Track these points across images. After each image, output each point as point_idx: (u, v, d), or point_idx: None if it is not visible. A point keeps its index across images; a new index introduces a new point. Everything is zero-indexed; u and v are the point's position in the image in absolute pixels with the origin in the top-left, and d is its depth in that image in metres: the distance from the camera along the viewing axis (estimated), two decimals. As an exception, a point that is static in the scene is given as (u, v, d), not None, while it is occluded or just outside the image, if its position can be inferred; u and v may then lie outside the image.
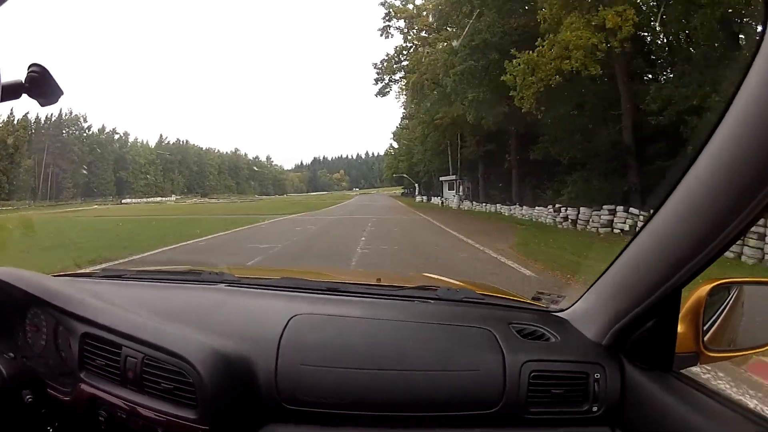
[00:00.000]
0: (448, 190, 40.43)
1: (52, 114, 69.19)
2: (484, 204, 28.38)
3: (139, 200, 72.67)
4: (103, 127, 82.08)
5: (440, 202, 39.26)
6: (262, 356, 1.17)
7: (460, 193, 34.80)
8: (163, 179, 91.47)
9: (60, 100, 0.89)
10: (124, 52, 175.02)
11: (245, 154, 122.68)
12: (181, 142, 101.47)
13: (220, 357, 1.11)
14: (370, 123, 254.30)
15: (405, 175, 56.33)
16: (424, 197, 47.36)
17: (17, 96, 0.84)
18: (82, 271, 1.83)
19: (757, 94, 0.69)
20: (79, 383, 1.22)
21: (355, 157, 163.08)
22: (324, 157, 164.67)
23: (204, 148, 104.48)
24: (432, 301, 1.46)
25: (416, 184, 52.03)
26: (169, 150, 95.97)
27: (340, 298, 1.46)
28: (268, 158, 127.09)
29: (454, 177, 38.08)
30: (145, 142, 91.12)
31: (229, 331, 1.23)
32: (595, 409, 1.17)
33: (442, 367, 1.18)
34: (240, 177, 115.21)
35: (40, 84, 0.85)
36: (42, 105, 0.88)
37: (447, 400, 1.15)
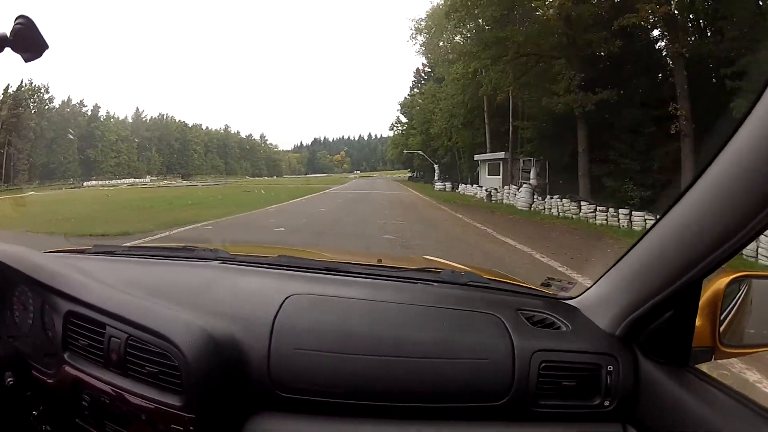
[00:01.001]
0: (489, 174, 27.73)
1: (9, 85, 58.07)
2: (588, 206, 15.61)
3: (106, 182, 63.28)
4: (69, 100, 70.04)
5: (481, 192, 25.79)
6: (253, 339, 1.06)
7: (532, 182, 20.85)
8: (137, 158, 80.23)
9: (44, 53, 0.86)
10: (100, 12, 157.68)
11: (238, 132, 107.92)
12: (163, 117, 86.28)
13: (209, 338, 1.01)
14: (374, 103, 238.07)
15: (420, 152, 44.04)
16: (446, 183, 34.46)
17: (0, 50, 0.82)
18: (74, 248, 1.63)
19: None
20: (63, 365, 1.13)
21: (357, 138, 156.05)
22: (325, 138, 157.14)
23: (189, 124, 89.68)
24: (435, 284, 1.34)
25: (435, 165, 39.34)
26: (147, 126, 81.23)
27: (338, 278, 1.33)
28: (262, 137, 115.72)
29: (502, 155, 25.53)
30: (118, 117, 79.77)
31: (220, 311, 1.12)
32: (606, 403, 1.08)
33: (447, 355, 1.08)
34: (230, 156, 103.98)
35: (24, 37, 0.82)
36: (26, 60, 0.86)
37: (451, 391, 1.06)
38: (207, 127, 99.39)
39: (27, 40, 0.82)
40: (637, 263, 1.05)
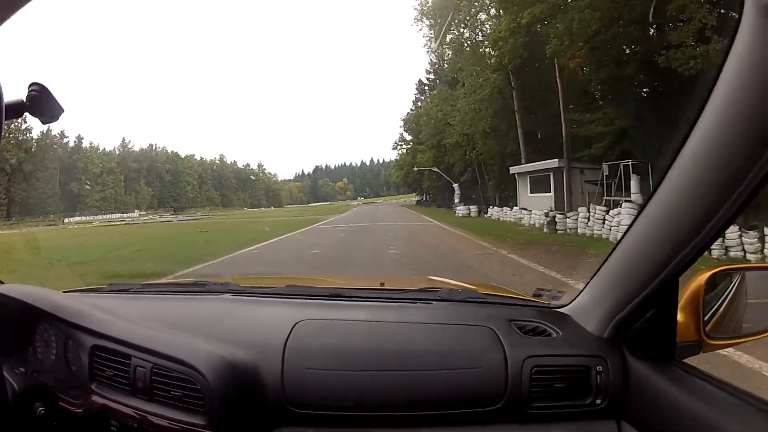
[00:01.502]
0: (533, 191, 20.27)
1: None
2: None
3: (92, 218, 58.03)
4: (49, 130, 64.73)
5: (530, 217, 18.20)
6: (268, 362, 1.17)
7: (635, 198, 13.50)
8: (125, 191, 74.63)
9: (61, 117, 0.92)
10: (82, 34, 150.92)
11: (234, 162, 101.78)
12: (153, 148, 79.92)
13: (227, 364, 1.12)
14: (375, 128, 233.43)
15: (435, 169, 36.67)
16: (470, 207, 25.62)
17: (20, 115, 0.87)
18: (89, 287, 1.73)
19: (735, 86, 0.72)
20: (90, 395, 1.22)
21: (359, 164, 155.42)
22: (326, 166, 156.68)
23: (181, 155, 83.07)
24: (434, 303, 1.44)
25: (454, 185, 31.54)
26: (135, 157, 74.75)
27: (343, 303, 1.44)
28: (260, 166, 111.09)
29: (554, 164, 18.08)
30: (104, 148, 74.53)
31: (236, 339, 1.23)
32: (598, 402, 1.17)
33: (444, 367, 1.17)
34: (226, 187, 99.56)
35: (40, 102, 0.88)
36: (43, 123, 0.91)
37: (450, 399, 1.15)
38: (201, 158, 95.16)
39: (43, 106, 0.87)
40: (616, 267, 1.12)
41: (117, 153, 75.69)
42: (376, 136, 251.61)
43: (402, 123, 54.56)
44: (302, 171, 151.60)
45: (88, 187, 65.77)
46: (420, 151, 43.08)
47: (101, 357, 1.24)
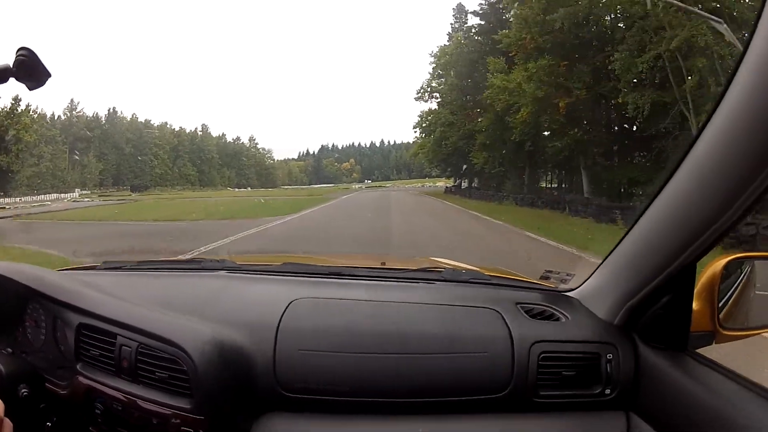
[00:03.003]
0: None
1: None
2: None
3: (15, 200, 46.98)
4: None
5: None
6: (259, 342, 1.16)
7: None
8: (69, 166, 61.79)
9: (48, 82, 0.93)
10: None
11: (223, 135, 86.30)
12: (113, 113, 65.91)
13: (216, 344, 1.11)
14: (386, 108, 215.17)
15: (487, 142, 27.44)
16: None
17: (5, 80, 0.86)
18: (83, 265, 1.73)
19: (760, 68, 0.70)
20: (76, 375, 1.22)
21: (368, 145, 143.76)
22: (333, 145, 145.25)
23: (145, 121, 67.13)
24: (437, 283, 1.44)
25: (582, 171, 21.12)
26: (86, 123, 60.62)
27: (342, 281, 1.46)
28: (251, 140, 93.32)
29: None
30: (42, 111, 60.61)
31: (227, 318, 1.22)
32: (608, 391, 1.15)
33: (448, 350, 1.16)
34: (208, 163, 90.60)
35: (28, 67, 0.86)
36: (30, 89, 0.91)
37: (453, 385, 1.14)
38: (180, 128, 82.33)
39: (30, 71, 0.86)
40: (630, 251, 1.11)
41: (63, 118, 57.18)
42: (388, 117, 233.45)
43: (432, 64, 41.13)
44: (307, 150, 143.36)
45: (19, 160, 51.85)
46: (463, 111, 34.09)
47: (87, 336, 1.23)
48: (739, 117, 0.74)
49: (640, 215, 1.03)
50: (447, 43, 39.81)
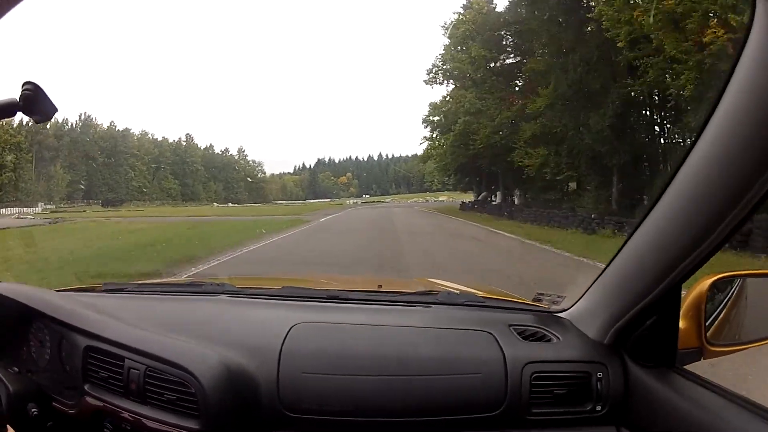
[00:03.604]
0: None
1: None
2: None
3: None
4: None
5: None
6: (263, 365, 1.25)
7: None
8: (35, 177, 56.76)
9: (54, 116, 0.97)
10: None
11: (210, 146, 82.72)
12: (84, 120, 69.62)
13: (222, 367, 1.19)
14: (384, 123, 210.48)
15: (552, 132, 19.43)
16: None
17: (12, 114, 0.91)
18: (83, 286, 1.81)
19: (745, 89, 0.74)
20: (84, 396, 1.31)
21: (366, 158, 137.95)
22: (330, 159, 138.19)
23: (124, 130, 74.58)
24: (433, 306, 1.53)
25: None
26: (56, 130, 61.68)
27: (340, 306, 1.54)
28: (240, 151, 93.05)
29: None
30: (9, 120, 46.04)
31: (231, 342, 1.30)
32: (599, 408, 1.24)
33: (444, 372, 1.25)
34: (192, 176, 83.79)
35: (34, 102, 0.91)
36: (37, 122, 0.98)
37: (449, 404, 1.23)
38: (163, 137, 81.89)
39: (36, 105, 0.90)
40: (618, 273, 1.19)
41: (31, 124, 51.34)
42: (387, 130, 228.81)
43: (446, 35, 32.78)
44: (303, 164, 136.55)
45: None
46: (498, 93, 26.12)
47: (95, 358, 1.31)
48: (726, 140, 0.77)
49: (627, 240, 1.11)
50: (461, 12, 31.52)
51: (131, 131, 74.29)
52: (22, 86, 0.88)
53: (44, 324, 1.42)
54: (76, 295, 1.61)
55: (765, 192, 0.76)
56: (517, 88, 26.84)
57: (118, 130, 71.15)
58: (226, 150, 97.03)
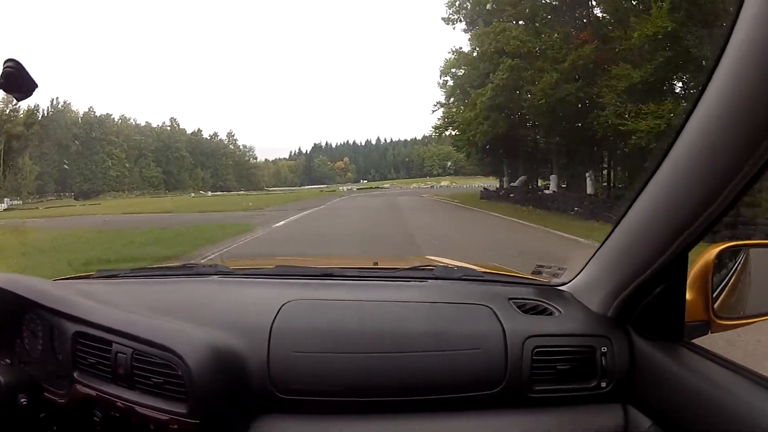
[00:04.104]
0: None
1: None
2: None
3: None
4: None
5: None
6: (253, 345, 1.22)
7: None
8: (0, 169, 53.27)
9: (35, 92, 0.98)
10: None
11: (199, 131, 79.91)
12: (56, 105, 66.80)
13: (210, 348, 1.17)
14: (383, 105, 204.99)
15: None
16: None
17: None
18: (79, 274, 1.77)
19: (739, 59, 0.72)
20: (74, 384, 1.29)
21: (363, 143, 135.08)
22: (327, 143, 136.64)
23: (105, 115, 69.73)
24: (429, 281, 1.52)
25: None
26: (26, 116, 56.26)
27: (334, 282, 1.54)
28: (230, 135, 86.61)
29: None
30: None
31: (220, 322, 1.29)
32: (603, 384, 1.21)
33: (440, 348, 1.22)
34: (176, 163, 79.38)
35: (15, 79, 0.91)
36: (18, 99, 0.96)
37: (447, 382, 1.20)
38: (146, 123, 78.22)
39: (17, 82, 0.91)
40: (621, 242, 1.16)
41: None
42: (384, 114, 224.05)
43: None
44: (299, 149, 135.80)
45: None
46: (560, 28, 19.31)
47: (83, 344, 1.29)
48: (720, 107, 0.76)
49: (630, 206, 1.08)
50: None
51: (111, 116, 70.92)
52: (4, 64, 0.86)
53: (36, 314, 1.42)
54: (70, 283, 1.63)
55: (762, 163, 0.73)
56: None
57: (97, 115, 67.51)
58: (215, 135, 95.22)
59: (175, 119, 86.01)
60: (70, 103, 67.22)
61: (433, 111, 31.82)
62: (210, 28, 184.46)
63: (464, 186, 66.62)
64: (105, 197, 58.53)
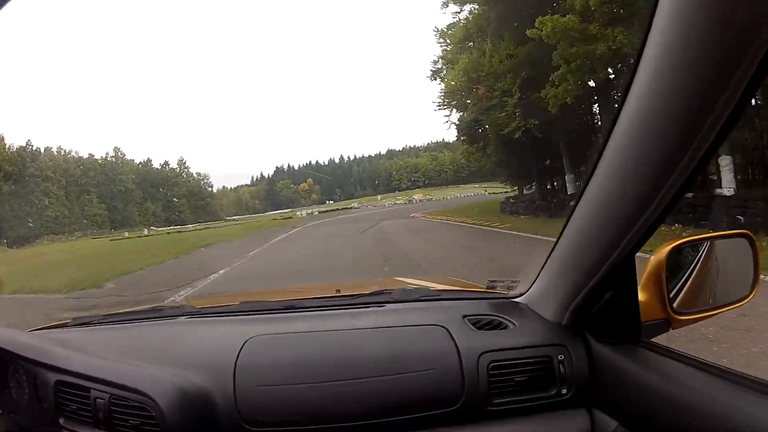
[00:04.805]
0: None
1: None
2: None
3: None
4: None
5: None
6: (220, 382, 1.29)
7: None
8: None
9: None
10: None
11: (149, 161, 75.90)
12: None
13: (179, 389, 1.24)
14: (342, 123, 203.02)
15: None
16: None
17: None
18: (54, 323, 1.85)
19: (662, 49, 0.73)
20: (61, 430, 1.37)
21: (326, 162, 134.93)
22: (289, 166, 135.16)
23: (45, 150, 65.52)
24: (386, 305, 1.59)
25: None
26: None
27: (296, 315, 1.60)
28: (181, 163, 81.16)
29: None
30: None
31: (188, 362, 1.36)
32: (564, 391, 1.27)
33: (396, 371, 1.28)
34: (122, 197, 73.85)
35: None
36: None
37: (405, 404, 1.26)
38: (89, 155, 72.31)
39: None
40: (566, 251, 1.22)
41: None
42: (345, 131, 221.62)
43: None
44: (261, 174, 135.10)
45: None
46: None
47: (64, 392, 1.38)
48: (645, 108, 0.79)
49: (572, 213, 1.12)
50: None
51: (51, 149, 65.71)
52: None
53: (19, 365, 1.48)
54: (47, 332, 1.71)
55: (703, 155, 0.76)
56: None
57: (31, 149, 61.93)
58: (166, 163, 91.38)
59: (119, 149, 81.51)
60: (1, 137, 61.93)
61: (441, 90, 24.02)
62: (156, 48, 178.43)
63: (447, 198, 62.21)
64: (42, 241, 53.83)
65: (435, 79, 25.35)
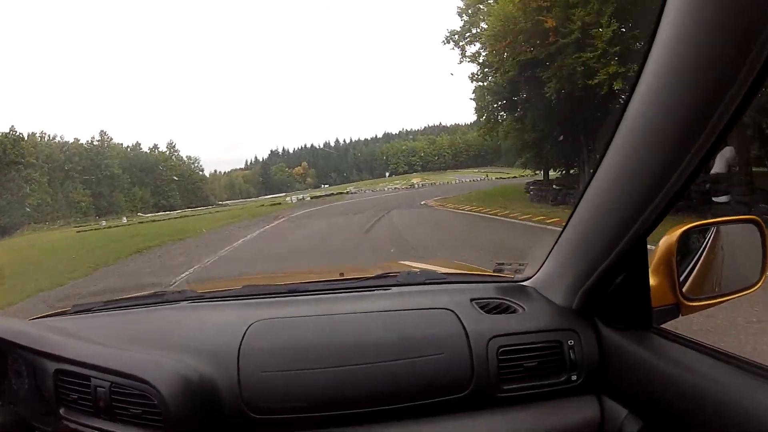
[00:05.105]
0: None
1: None
2: None
3: None
4: None
5: None
6: (223, 368, 1.27)
7: None
8: None
9: None
10: None
11: (138, 144, 73.23)
12: None
13: (181, 375, 1.22)
14: (338, 106, 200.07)
15: None
16: None
17: None
18: (54, 311, 1.81)
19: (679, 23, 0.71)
20: (61, 420, 1.34)
21: (322, 145, 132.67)
22: (284, 149, 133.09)
23: (28, 135, 62.69)
24: (392, 288, 1.57)
25: None
26: None
27: (300, 299, 1.56)
28: (171, 146, 78.05)
29: None
30: None
31: (190, 347, 1.33)
32: (574, 377, 1.26)
33: (405, 355, 1.26)
34: (108, 182, 70.38)
35: None
36: None
37: (414, 389, 1.24)
38: (74, 139, 69.07)
39: None
40: (577, 233, 1.21)
41: None
42: (342, 114, 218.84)
43: None
44: (255, 157, 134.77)
45: None
46: None
47: (64, 381, 1.34)
48: (657, 93, 0.79)
49: (582, 195, 1.11)
50: None
51: (35, 135, 63.63)
52: None
53: (18, 354, 1.44)
54: (46, 321, 1.67)
55: (718, 134, 0.75)
56: None
57: (13, 135, 59.43)
58: (155, 147, 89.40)
59: (105, 132, 79.46)
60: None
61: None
62: (145, 27, 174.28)
63: (449, 182, 59.34)
64: (24, 231, 51.74)
65: (448, 42, 21.14)
